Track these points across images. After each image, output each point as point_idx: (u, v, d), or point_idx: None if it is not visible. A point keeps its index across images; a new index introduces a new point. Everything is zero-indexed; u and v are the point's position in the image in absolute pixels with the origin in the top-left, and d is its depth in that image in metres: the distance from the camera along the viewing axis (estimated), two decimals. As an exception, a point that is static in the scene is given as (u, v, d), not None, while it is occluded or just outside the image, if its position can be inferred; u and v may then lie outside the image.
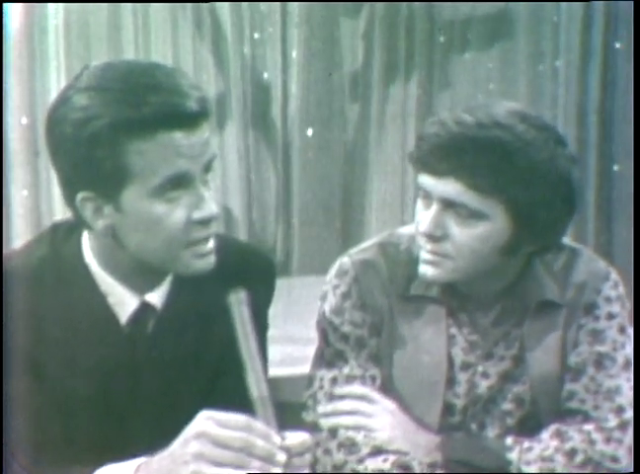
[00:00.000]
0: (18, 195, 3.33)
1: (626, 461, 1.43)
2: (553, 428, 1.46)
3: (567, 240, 1.55)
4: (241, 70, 3.60)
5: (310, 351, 1.58)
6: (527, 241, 1.42)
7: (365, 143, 3.72)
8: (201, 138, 1.23)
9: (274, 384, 1.16)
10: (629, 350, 1.50)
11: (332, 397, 1.50)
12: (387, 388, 1.51)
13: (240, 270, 1.38)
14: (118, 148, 1.19)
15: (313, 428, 1.47)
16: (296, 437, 1.10)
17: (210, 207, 1.26)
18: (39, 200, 3.38)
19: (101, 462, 1.19)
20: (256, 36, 3.62)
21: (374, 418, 1.47)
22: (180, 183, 1.23)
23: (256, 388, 1.10)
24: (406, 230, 1.57)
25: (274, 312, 1.50)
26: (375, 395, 1.49)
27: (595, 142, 3.69)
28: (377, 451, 1.44)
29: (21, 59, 3.32)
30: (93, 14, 3.46)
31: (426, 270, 1.44)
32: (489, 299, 1.51)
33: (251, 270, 1.43)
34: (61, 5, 3.40)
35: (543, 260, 1.51)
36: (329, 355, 1.52)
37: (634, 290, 1.90)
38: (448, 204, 1.38)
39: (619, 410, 1.46)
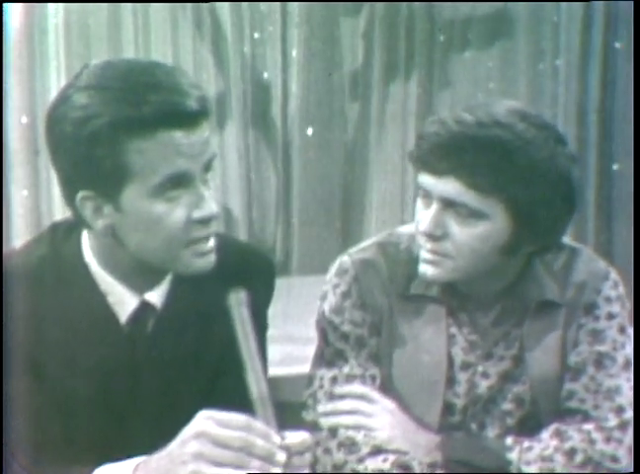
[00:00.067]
0: (18, 194, 3.34)
1: (626, 461, 1.43)
2: (553, 427, 1.46)
3: (567, 240, 1.55)
4: (241, 70, 3.60)
5: (310, 350, 1.58)
6: (527, 240, 1.41)
7: (366, 143, 3.72)
8: (201, 137, 1.23)
9: (273, 384, 1.16)
10: (629, 349, 1.50)
11: (332, 396, 1.50)
12: (387, 388, 1.51)
13: (240, 269, 1.38)
14: (117, 147, 1.19)
15: (313, 427, 1.47)
16: (296, 437, 1.10)
17: (210, 207, 1.26)
18: (38, 200, 3.38)
19: (100, 462, 1.19)
20: (256, 35, 3.62)
21: (374, 417, 1.47)
22: (180, 182, 1.23)
23: (256, 388, 1.10)
24: (406, 229, 1.57)
25: (273, 312, 1.50)
26: (375, 395, 1.49)
27: (594, 141, 3.69)
28: (377, 451, 1.44)
29: (21, 59, 3.32)
30: (93, 14, 3.46)
31: (426, 269, 1.44)
32: (489, 299, 1.51)
33: (251, 269, 1.43)
34: (61, 5, 3.40)
35: (543, 259, 1.51)
36: (329, 355, 1.52)
37: (634, 290, 1.90)
38: (448, 204, 1.38)
39: (619, 410, 1.46)
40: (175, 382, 1.36)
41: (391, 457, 1.43)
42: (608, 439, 1.44)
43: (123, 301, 1.33)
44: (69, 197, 1.26)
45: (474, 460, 1.42)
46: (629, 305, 1.55)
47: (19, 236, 3.23)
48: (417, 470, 1.42)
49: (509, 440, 1.45)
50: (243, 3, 3.58)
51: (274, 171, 3.70)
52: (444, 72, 3.70)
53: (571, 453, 1.42)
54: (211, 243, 1.29)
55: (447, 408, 1.51)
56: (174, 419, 1.13)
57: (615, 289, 1.52)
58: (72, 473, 1.21)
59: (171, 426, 1.12)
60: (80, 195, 1.24)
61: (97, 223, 1.26)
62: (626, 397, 1.46)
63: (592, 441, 1.43)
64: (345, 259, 1.55)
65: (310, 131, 3.68)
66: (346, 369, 1.50)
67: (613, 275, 1.53)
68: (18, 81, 3.32)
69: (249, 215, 3.65)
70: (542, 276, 1.50)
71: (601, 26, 3.66)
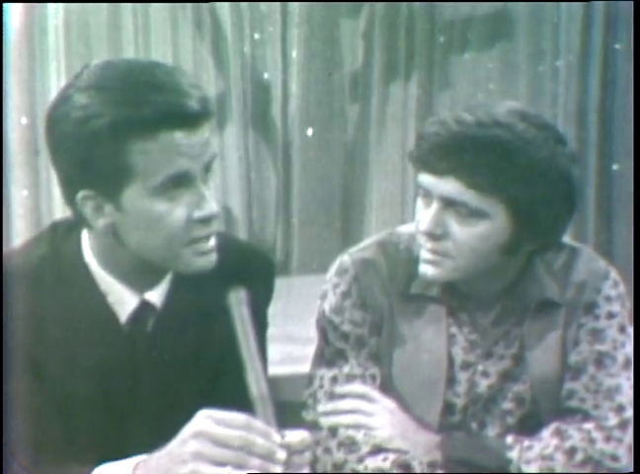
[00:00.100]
0: (18, 194, 3.33)
1: (626, 460, 1.43)
2: (553, 426, 1.46)
3: (567, 239, 1.55)
4: (241, 70, 3.60)
5: (310, 350, 1.58)
6: (528, 240, 1.41)
7: (365, 143, 3.71)
8: (202, 138, 1.23)
9: (273, 383, 1.16)
10: (629, 349, 1.50)
11: (332, 396, 1.50)
12: (387, 387, 1.51)
13: (240, 268, 1.38)
14: (119, 147, 1.19)
15: (313, 426, 1.47)
16: (296, 436, 1.10)
17: (211, 206, 1.26)
18: (38, 200, 3.38)
19: (100, 461, 1.19)
20: (256, 36, 3.62)
21: (374, 417, 1.47)
22: (181, 182, 1.23)
23: (256, 387, 1.10)
24: (406, 229, 1.57)
25: (273, 311, 1.50)
26: (375, 394, 1.49)
27: (594, 141, 3.68)
28: (377, 450, 1.44)
29: (21, 59, 3.32)
30: (93, 14, 3.46)
31: (426, 269, 1.44)
32: (489, 298, 1.51)
33: (250, 269, 1.43)
34: (61, 5, 3.40)
35: (543, 259, 1.51)
36: (329, 354, 1.52)
37: (634, 289, 1.90)
38: (449, 203, 1.38)
39: (619, 409, 1.46)
40: (175, 382, 1.36)
41: (391, 456, 1.43)
42: (608, 439, 1.44)
43: (123, 301, 1.33)
44: (69, 197, 1.26)
45: (474, 459, 1.42)
46: (629, 304, 1.55)
47: (19, 236, 3.23)
48: (417, 469, 1.42)
49: (509, 439, 1.45)
50: (243, 3, 3.58)
51: (274, 171, 3.70)
52: (444, 73, 3.70)
53: (571, 452, 1.42)
54: (212, 242, 1.30)
55: (448, 407, 1.51)
56: (174, 418, 1.13)
57: (615, 289, 1.52)
58: (72, 472, 1.21)
59: (171, 425, 1.12)
60: (81, 194, 1.24)
61: (97, 222, 1.26)
62: (626, 396, 1.46)
63: (592, 440, 1.43)
64: (345, 258, 1.55)
65: (310, 132, 3.68)
66: (346, 369, 1.50)
67: (613, 274, 1.53)
68: (18, 81, 3.32)
69: (249, 215, 3.65)
70: (542, 275, 1.50)
71: (601, 26, 3.66)
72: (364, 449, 1.44)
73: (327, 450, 1.46)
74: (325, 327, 1.53)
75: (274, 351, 1.47)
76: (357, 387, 1.49)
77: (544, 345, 1.50)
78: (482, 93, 3.63)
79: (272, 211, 3.70)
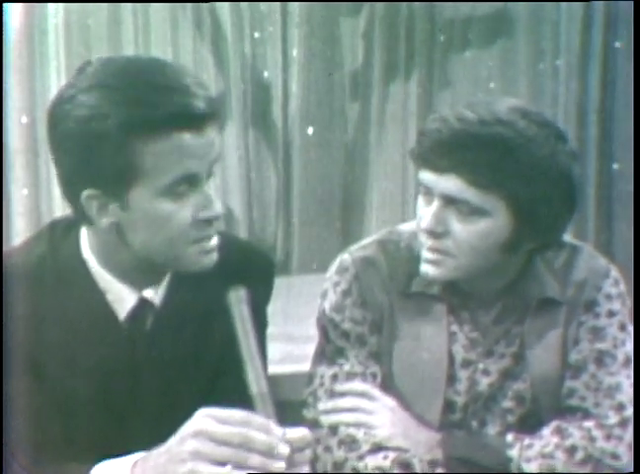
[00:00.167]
0: (18, 193, 3.33)
1: (626, 458, 1.43)
2: (553, 424, 1.46)
3: (568, 237, 1.55)
4: (241, 69, 3.60)
5: (310, 349, 1.58)
6: (528, 238, 1.41)
7: (366, 142, 3.71)
8: (209, 139, 1.24)
9: (273, 382, 1.15)
10: (629, 347, 1.50)
11: (332, 394, 1.49)
12: (388, 385, 1.51)
13: (239, 267, 1.38)
14: (128, 148, 1.19)
15: (313, 425, 1.47)
16: (296, 433, 1.09)
17: (217, 207, 1.26)
18: (39, 199, 3.38)
19: (100, 460, 1.19)
20: (256, 35, 3.61)
21: (375, 415, 1.47)
22: (188, 183, 1.24)
23: (255, 385, 1.10)
24: (406, 227, 1.56)
25: (273, 311, 1.50)
26: (376, 392, 1.49)
27: (595, 141, 3.68)
28: (378, 448, 1.44)
29: (21, 59, 3.32)
30: (93, 13, 3.45)
31: (427, 269, 1.44)
32: (490, 297, 1.50)
33: (250, 267, 1.43)
34: (61, 5, 3.40)
35: (544, 257, 1.50)
36: (329, 353, 1.52)
37: (634, 288, 1.90)
38: (450, 201, 1.38)
39: (620, 407, 1.46)
40: (174, 380, 1.36)
41: (392, 455, 1.43)
42: (609, 437, 1.44)
43: (122, 299, 1.33)
44: (72, 196, 1.26)
45: (475, 458, 1.42)
46: (630, 303, 1.54)
47: (19, 235, 3.22)
48: (417, 468, 1.42)
49: (509, 438, 1.45)
50: (243, 2, 3.58)
51: (274, 170, 3.70)
52: (445, 72, 3.70)
53: (571, 451, 1.42)
54: (214, 241, 1.30)
55: (448, 405, 1.50)
56: (174, 417, 1.12)
57: (616, 287, 1.52)
58: (71, 470, 1.21)
59: (171, 424, 1.11)
60: (86, 193, 1.23)
61: (101, 221, 1.26)
62: (627, 394, 1.46)
63: (592, 439, 1.43)
64: (345, 257, 1.55)
65: (310, 131, 3.67)
66: (346, 367, 1.50)
67: (614, 272, 1.53)
68: (18, 80, 3.32)
69: (249, 215, 3.65)
70: (543, 273, 1.50)
71: (601, 25, 3.66)
72: (365, 448, 1.44)
73: (327, 449, 1.46)
74: (325, 325, 1.53)
75: (274, 350, 1.47)
76: (357, 385, 1.49)
77: (545, 343, 1.49)
78: (482, 92, 3.62)
79: (272, 211, 3.70)
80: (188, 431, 1.08)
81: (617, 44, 3.66)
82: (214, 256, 1.31)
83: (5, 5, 3.16)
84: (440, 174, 1.37)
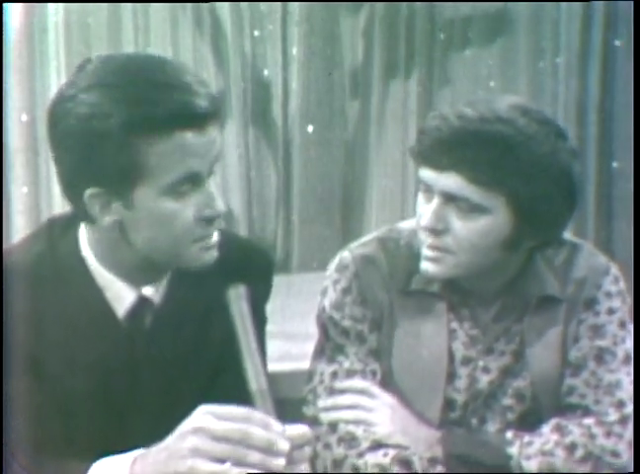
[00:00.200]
0: (18, 191, 3.33)
1: (627, 456, 1.43)
2: (553, 422, 1.46)
3: (568, 235, 1.55)
4: (241, 68, 3.60)
5: (310, 347, 1.58)
6: (529, 235, 1.41)
7: (366, 141, 3.71)
8: (211, 137, 1.24)
9: (273, 380, 1.15)
10: (629, 344, 1.50)
11: (332, 391, 1.49)
12: (388, 383, 1.50)
13: (238, 264, 1.38)
14: (132, 147, 1.19)
15: (313, 422, 1.47)
16: (296, 429, 1.09)
17: (219, 205, 1.27)
18: (38, 198, 3.38)
19: (99, 457, 1.19)
20: (256, 33, 3.61)
21: (375, 412, 1.46)
22: (192, 181, 1.24)
23: (255, 381, 1.10)
24: (406, 225, 1.56)
25: (273, 309, 1.50)
26: (376, 390, 1.49)
27: (594, 139, 3.68)
28: (377, 446, 1.44)
29: (21, 58, 3.32)
30: (93, 12, 3.45)
31: (427, 266, 1.44)
32: (490, 294, 1.50)
33: (249, 264, 1.43)
34: (61, 4, 3.40)
35: (544, 255, 1.50)
36: (329, 350, 1.52)
37: (634, 285, 1.90)
38: (450, 198, 1.38)
39: (620, 404, 1.46)
40: (174, 378, 1.35)
41: (391, 452, 1.43)
42: (609, 434, 1.44)
43: (121, 296, 1.33)
44: (74, 194, 1.25)
45: (474, 455, 1.42)
46: (630, 300, 1.54)
47: (19, 233, 3.22)
48: (417, 465, 1.42)
49: (509, 435, 1.44)
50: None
51: (274, 169, 3.70)
52: (445, 70, 3.70)
53: (571, 448, 1.42)
54: (215, 238, 1.30)
55: (448, 403, 1.50)
56: (173, 414, 1.12)
57: (616, 284, 1.52)
58: (71, 468, 1.21)
59: (170, 421, 1.11)
60: (89, 192, 1.23)
61: (104, 219, 1.26)
62: (627, 392, 1.46)
63: (592, 436, 1.43)
64: (345, 254, 1.55)
65: (310, 129, 3.67)
66: (346, 364, 1.50)
67: (614, 270, 1.53)
68: (18, 79, 3.32)
69: (249, 213, 3.65)
70: (543, 271, 1.50)
71: (601, 23, 3.66)
72: (365, 445, 1.44)
73: (327, 446, 1.46)
74: (325, 323, 1.53)
75: (274, 348, 1.47)
76: (357, 383, 1.49)
77: (545, 341, 1.49)
78: (482, 91, 3.62)
79: (272, 209, 3.70)
80: (187, 427, 1.07)
81: (617, 43, 3.66)
82: (214, 253, 1.31)
83: (5, 5, 3.15)
84: (440, 171, 1.37)
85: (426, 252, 1.43)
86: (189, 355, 1.37)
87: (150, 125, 1.19)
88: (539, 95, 3.70)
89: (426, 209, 1.41)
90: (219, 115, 1.25)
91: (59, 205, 3.07)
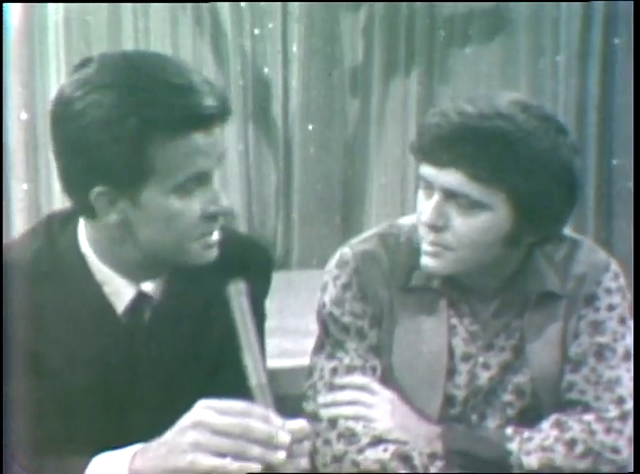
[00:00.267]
0: (18, 189, 3.33)
1: (626, 452, 1.43)
2: (553, 418, 1.46)
3: (568, 231, 1.55)
4: (241, 66, 3.60)
5: (309, 343, 1.58)
6: (529, 231, 1.41)
7: (365, 139, 3.72)
8: (217, 136, 1.24)
9: (273, 376, 1.15)
10: (629, 341, 1.49)
11: (332, 387, 1.49)
12: (388, 379, 1.50)
13: (237, 260, 1.38)
14: (142, 148, 1.19)
15: (313, 418, 1.47)
16: (295, 424, 1.09)
17: (224, 202, 1.27)
18: (38, 195, 3.38)
19: (99, 452, 1.19)
20: (256, 31, 3.62)
21: (374, 408, 1.46)
22: (199, 180, 1.24)
23: (255, 376, 1.10)
24: (406, 221, 1.56)
25: (273, 305, 1.50)
26: (375, 386, 1.48)
27: (594, 137, 3.68)
28: (377, 441, 1.44)
29: (21, 56, 3.32)
30: (93, 10, 3.45)
31: (427, 262, 1.44)
32: (490, 290, 1.50)
33: (248, 260, 1.43)
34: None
35: (544, 251, 1.50)
36: (329, 346, 1.52)
37: (634, 282, 1.90)
38: (450, 195, 1.38)
39: (620, 401, 1.45)
40: (173, 372, 1.35)
41: (391, 448, 1.43)
42: (609, 430, 1.43)
43: (120, 292, 1.33)
44: (80, 192, 1.25)
45: (474, 451, 1.42)
46: (630, 296, 1.54)
47: (19, 230, 3.22)
48: (417, 461, 1.41)
49: (509, 431, 1.44)
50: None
51: (274, 167, 3.70)
52: (444, 68, 3.70)
53: (571, 444, 1.42)
54: (216, 235, 1.31)
55: (448, 399, 1.50)
56: (173, 409, 1.12)
57: (616, 281, 1.52)
58: (71, 463, 1.21)
59: (170, 416, 1.11)
60: (97, 190, 1.23)
61: (110, 217, 1.26)
62: (626, 388, 1.46)
63: (592, 432, 1.43)
64: (345, 250, 1.55)
65: (310, 127, 3.67)
66: (346, 360, 1.50)
67: (614, 266, 1.53)
68: (18, 78, 3.32)
69: (249, 210, 3.65)
70: (543, 267, 1.50)
71: (601, 22, 3.66)
72: (364, 441, 1.44)
73: (327, 442, 1.46)
74: (325, 319, 1.53)
75: (273, 344, 1.47)
76: (357, 379, 1.49)
77: (544, 337, 1.49)
78: (482, 88, 3.62)
79: (272, 207, 3.70)
80: (187, 422, 1.08)
81: (617, 41, 3.67)
82: (215, 251, 1.31)
83: (5, 5, 3.16)
84: (440, 168, 1.37)
85: (426, 248, 1.43)
86: (188, 351, 1.36)
87: (164, 128, 1.19)
88: (539, 93, 3.70)
89: (426, 206, 1.41)
90: (228, 114, 1.26)
91: (59, 202, 3.08)
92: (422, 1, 3.64)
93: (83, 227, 1.33)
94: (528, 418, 1.49)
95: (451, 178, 1.36)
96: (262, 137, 3.68)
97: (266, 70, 3.66)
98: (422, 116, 3.56)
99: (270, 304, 1.49)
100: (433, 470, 1.41)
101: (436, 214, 1.39)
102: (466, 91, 3.62)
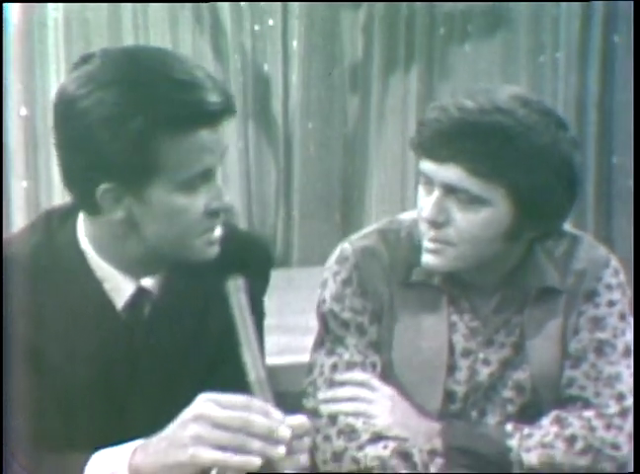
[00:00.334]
0: (17, 186, 3.33)
1: (626, 448, 1.43)
2: (553, 414, 1.46)
3: (568, 227, 1.55)
4: (241, 63, 3.59)
5: (309, 340, 1.58)
6: (529, 226, 1.41)
7: (366, 136, 3.71)
8: (222, 133, 1.24)
9: (272, 373, 1.15)
10: (629, 336, 1.50)
11: (332, 383, 1.49)
12: (387, 375, 1.50)
13: (236, 256, 1.38)
14: (150, 146, 1.19)
15: (313, 414, 1.47)
16: (295, 419, 1.09)
17: (227, 198, 1.28)
18: (38, 192, 3.38)
19: (100, 448, 1.19)
20: (256, 28, 3.61)
21: (374, 404, 1.46)
22: (205, 177, 1.25)
23: (254, 371, 1.10)
24: (406, 216, 1.56)
25: (273, 302, 1.50)
26: (375, 382, 1.48)
27: (594, 135, 3.68)
28: (377, 438, 1.44)
29: (20, 53, 3.32)
30: (92, 7, 3.45)
31: (428, 258, 1.43)
32: (490, 286, 1.50)
33: (248, 256, 1.43)
34: (61, 0, 3.40)
35: (544, 246, 1.50)
36: (329, 342, 1.52)
37: (634, 278, 1.90)
38: (450, 190, 1.37)
39: (620, 397, 1.45)
40: (173, 368, 1.35)
41: (391, 444, 1.43)
42: (609, 427, 1.44)
43: (120, 287, 1.33)
44: (84, 189, 1.25)
45: (474, 447, 1.42)
46: (630, 292, 1.54)
47: (18, 227, 3.22)
48: (417, 457, 1.41)
49: (509, 427, 1.44)
50: (243, -1, 3.58)
51: (274, 164, 3.69)
52: (444, 65, 3.70)
53: (571, 440, 1.42)
54: (218, 233, 1.31)
55: (448, 395, 1.50)
56: (173, 405, 1.12)
57: (616, 277, 1.52)
58: (71, 459, 1.21)
59: (169, 412, 1.11)
60: (102, 187, 1.22)
61: (114, 213, 1.25)
62: (626, 384, 1.46)
63: (592, 428, 1.43)
64: (345, 246, 1.55)
65: (310, 125, 3.67)
66: (346, 356, 1.50)
67: (614, 262, 1.53)
68: (17, 75, 3.32)
69: (249, 208, 3.65)
70: (543, 262, 1.50)
71: (601, 19, 3.66)
72: (364, 437, 1.44)
73: (327, 438, 1.46)
74: (325, 315, 1.53)
75: (273, 341, 1.47)
76: (357, 375, 1.49)
77: (545, 332, 1.49)
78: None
79: (272, 204, 3.69)
80: (188, 415, 1.08)
81: (616, 38, 3.66)
82: (217, 248, 1.31)
83: (5, 5, 3.15)
84: (440, 163, 1.37)
85: (426, 244, 1.43)
86: (188, 346, 1.36)
87: (172, 125, 1.19)
88: (539, 90, 3.69)
89: (426, 202, 1.41)
90: (232, 110, 1.25)
91: (59, 200, 3.07)
92: (422, 0, 3.64)
93: (82, 223, 1.33)
94: (528, 414, 1.49)
95: (451, 173, 1.36)
96: (262, 135, 3.67)
97: (266, 68, 3.65)
98: (422, 112, 3.54)
99: (270, 302, 1.49)
100: (432, 467, 1.41)
101: (436, 210, 1.39)
102: (466, 88, 3.61)
